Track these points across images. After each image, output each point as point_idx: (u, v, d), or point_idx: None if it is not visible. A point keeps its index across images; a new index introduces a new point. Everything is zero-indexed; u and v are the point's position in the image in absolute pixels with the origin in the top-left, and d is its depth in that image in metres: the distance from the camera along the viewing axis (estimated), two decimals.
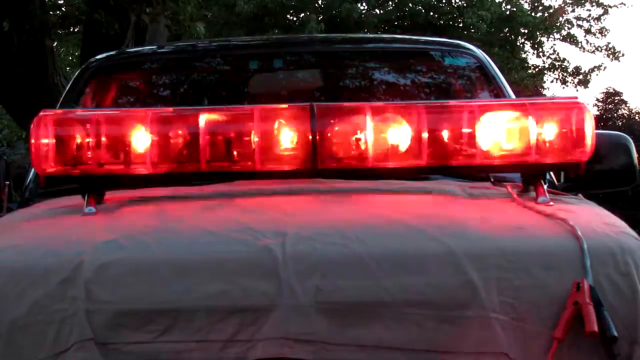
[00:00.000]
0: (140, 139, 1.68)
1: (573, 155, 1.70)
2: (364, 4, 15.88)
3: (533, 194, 1.72)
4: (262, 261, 1.38)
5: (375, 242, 1.42)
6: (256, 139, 1.68)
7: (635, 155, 2.26)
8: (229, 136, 1.70)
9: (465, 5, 15.66)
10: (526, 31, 16.57)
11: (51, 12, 7.21)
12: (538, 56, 17.60)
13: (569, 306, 1.34)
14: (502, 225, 1.51)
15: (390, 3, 16.20)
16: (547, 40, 17.25)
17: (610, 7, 16.60)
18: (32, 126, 1.66)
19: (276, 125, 1.70)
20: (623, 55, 16.97)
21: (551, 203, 1.65)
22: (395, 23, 16.09)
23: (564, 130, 1.69)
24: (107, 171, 1.68)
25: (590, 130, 1.68)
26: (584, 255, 1.39)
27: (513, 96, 2.55)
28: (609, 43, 17.19)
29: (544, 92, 18.90)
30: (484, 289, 1.36)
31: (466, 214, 1.58)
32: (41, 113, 1.68)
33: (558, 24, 16.78)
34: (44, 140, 1.66)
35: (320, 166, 1.69)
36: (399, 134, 1.71)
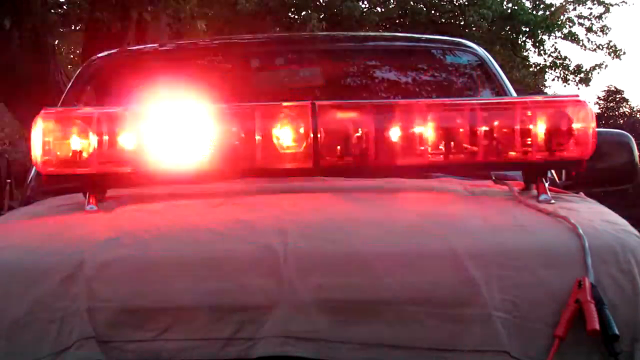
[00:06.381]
0: (141, 136, 1.68)
1: (574, 153, 1.70)
2: (365, 2, 15.86)
3: (534, 192, 1.72)
4: (263, 259, 1.38)
5: (377, 240, 1.42)
6: (258, 138, 1.68)
7: (636, 153, 2.26)
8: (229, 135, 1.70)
9: (466, 3, 15.65)
10: (527, 29, 16.54)
11: (53, 11, 7.21)
12: (539, 54, 17.58)
13: (570, 304, 1.34)
14: (503, 223, 1.51)
15: (391, 1, 16.19)
16: (549, 38, 17.23)
17: (612, 5, 16.61)
18: (33, 124, 1.66)
19: (277, 123, 1.70)
20: (624, 53, 16.97)
21: (552, 201, 1.65)
22: (397, 21, 16.08)
23: (565, 128, 1.69)
24: (108, 169, 1.68)
25: (591, 128, 1.68)
26: (585, 253, 1.39)
27: (514, 94, 2.55)
28: (610, 41, 17.23)
29: (546, 90, 18.88)
30: (485, 287, 1.36)
31: (467, 212, 1.58)
32: (42, 111, 1.68)
33: (559, 22, 16.76)
34: (46, 139, 1.66)
35: (322, 164, 1.69)
36: (401, 132, 1.71)
